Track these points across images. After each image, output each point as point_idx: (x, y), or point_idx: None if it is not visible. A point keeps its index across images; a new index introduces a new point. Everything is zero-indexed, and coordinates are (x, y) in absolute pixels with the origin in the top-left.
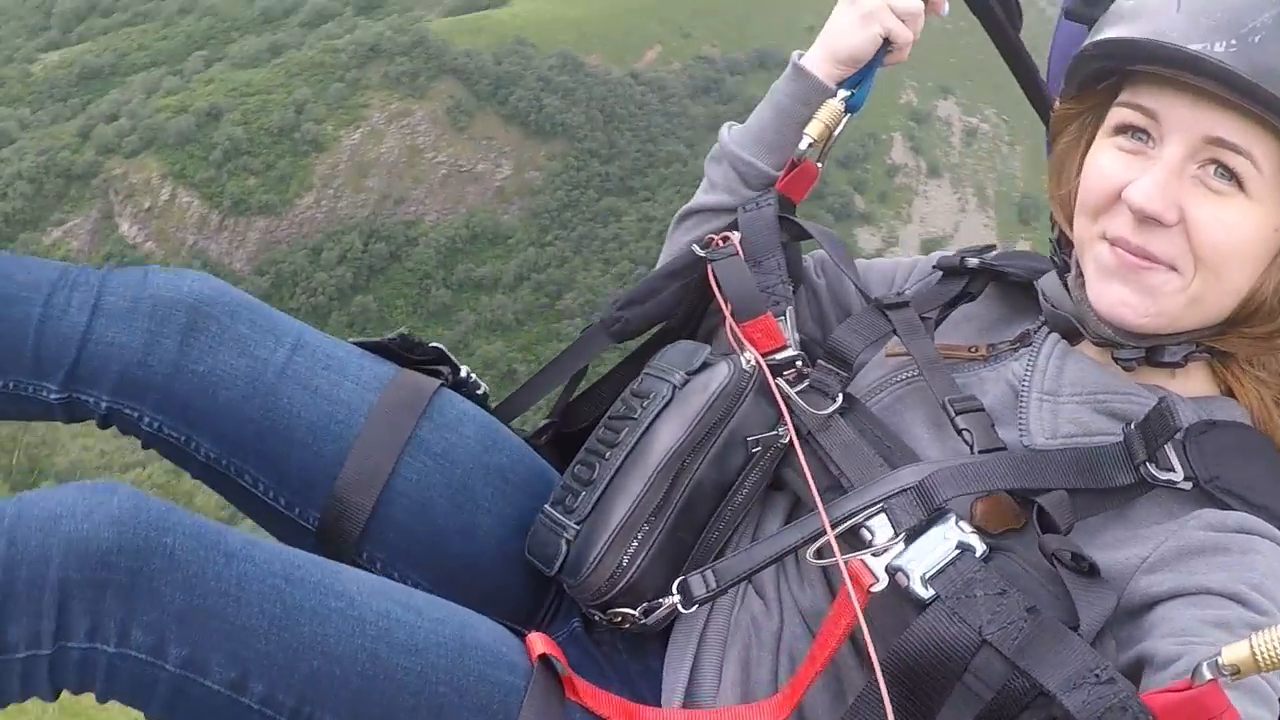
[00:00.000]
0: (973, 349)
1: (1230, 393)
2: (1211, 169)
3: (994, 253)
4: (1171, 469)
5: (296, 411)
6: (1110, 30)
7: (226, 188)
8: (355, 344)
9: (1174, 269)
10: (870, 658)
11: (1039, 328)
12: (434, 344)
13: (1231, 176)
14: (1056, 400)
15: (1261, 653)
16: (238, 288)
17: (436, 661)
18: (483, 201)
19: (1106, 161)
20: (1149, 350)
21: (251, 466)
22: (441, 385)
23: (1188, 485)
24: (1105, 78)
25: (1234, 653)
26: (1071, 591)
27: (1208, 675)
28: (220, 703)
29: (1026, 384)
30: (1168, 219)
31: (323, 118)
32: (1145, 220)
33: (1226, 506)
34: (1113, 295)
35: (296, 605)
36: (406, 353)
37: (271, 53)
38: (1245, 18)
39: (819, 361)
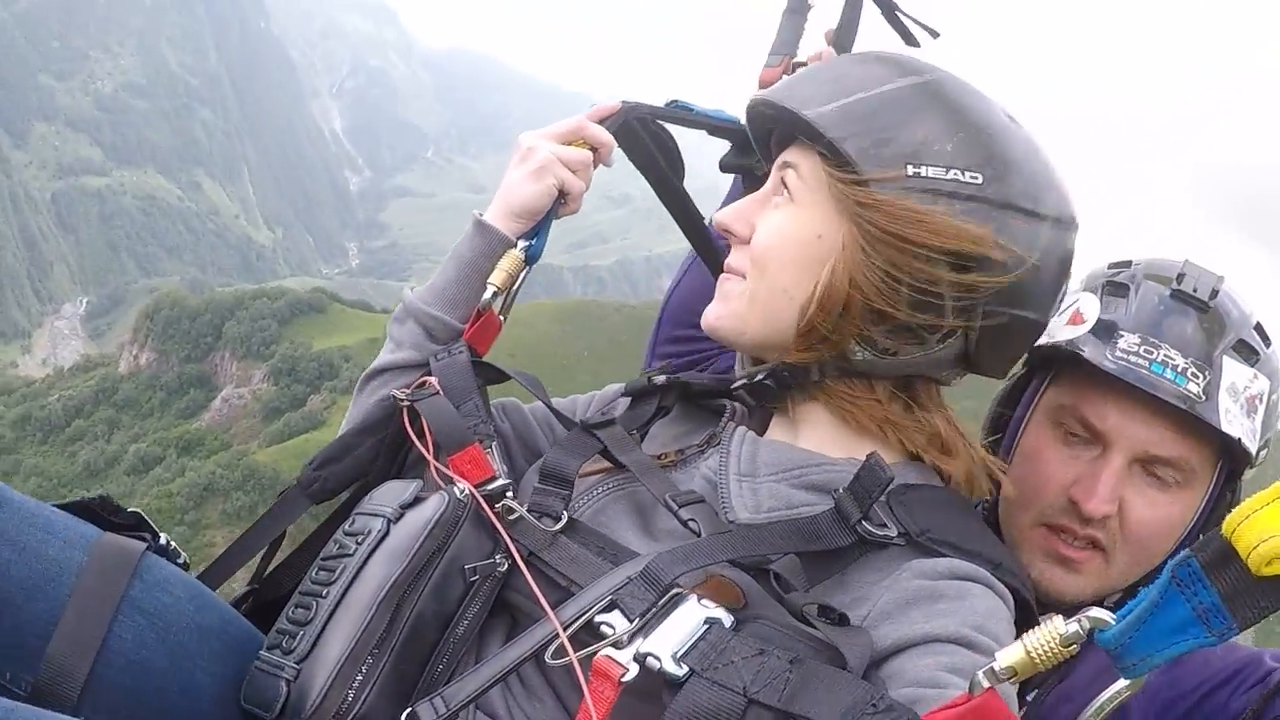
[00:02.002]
0: (662, 456)
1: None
2: (777, 185)
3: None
4: (884, 525)
5: (5, 569)
6: None
7: None
8: (57, 506)
9: (742, 276)
10: None
11: (724, 425)
12: (133, 509)
13: (784, 188)
14: (755, 480)
15: (1036, 651)
16: None
17: None
18: None
19: None
20: (765, 380)
21: None
22: (147, 548)
23: (902, 541)
24: None
25: (1010, 656)
26: (829, 638)
27: (985, 684)
28: None
29: (723, 473)
30: (739, 233)
31: None
32: (729, 236)
33: (938, 555)
34: (707, 311)
35: None
36: (108, 515)
37: None
38: None
39: (536, 485)
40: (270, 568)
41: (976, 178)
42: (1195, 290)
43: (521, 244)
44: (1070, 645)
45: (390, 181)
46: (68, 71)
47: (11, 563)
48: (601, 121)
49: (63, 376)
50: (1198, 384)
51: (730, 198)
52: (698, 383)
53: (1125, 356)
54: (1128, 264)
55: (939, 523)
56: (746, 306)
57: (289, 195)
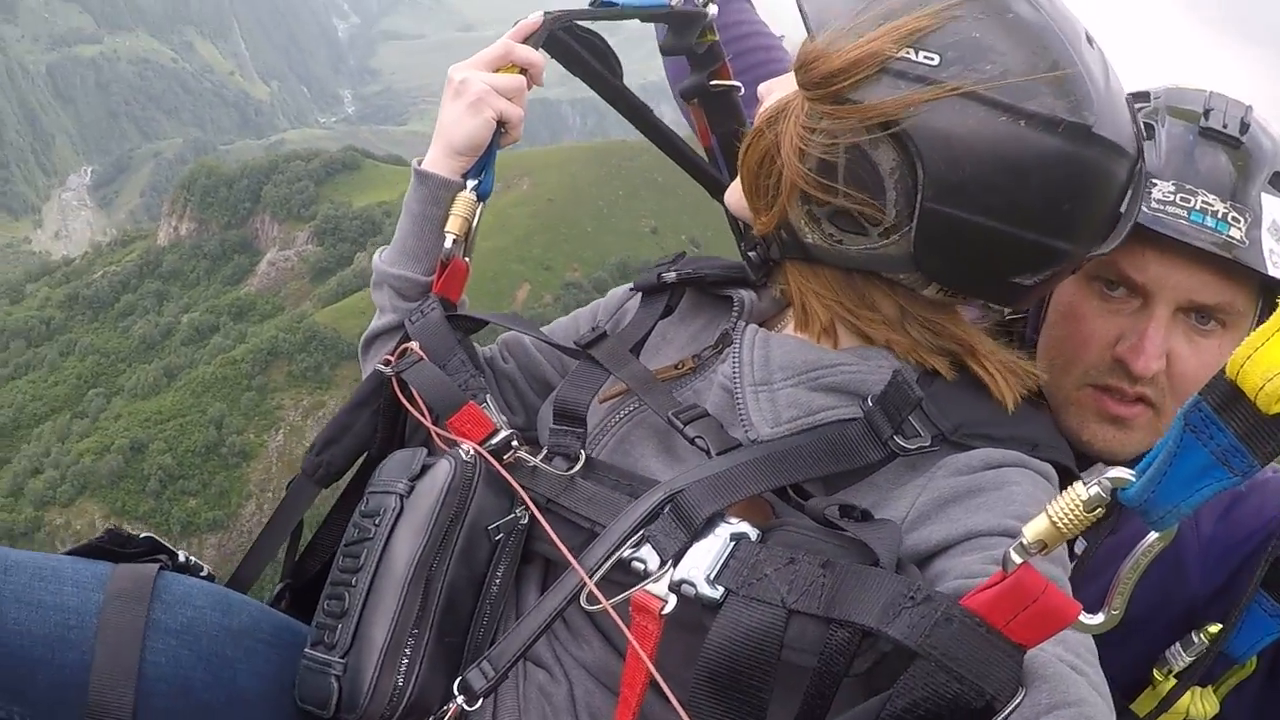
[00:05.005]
0: (679, 365)
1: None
2: None
3: (686, 262)
4: (917, 434)
5: (25, 629)
6: None
7: (171, 515)
8: (65, 554)
9: None
10: (669, 682)
11: (735, 323)
12: (145, 534)
13: None
14: (771, 388)
15: (1061, 520)
16: None
17: None
18: None
19: None
20: (749, 252)
21: (2, 701)
22: (161, 568)
23: (936, 446)
24: None
25: (1035, 529)
26: (856, 535)
27: (1017, 560)
28: None
29: (737, 380)
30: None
31: (243, 428)
32: None
33: (972, 448)
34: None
35: None
36: (119, 548)
37: (167, 376)
38: None
39: (551, 425)
40: (295, 557)
41: (933, 58)
42: (1225, 125)
43: (470, 183)
44: (1094, 509)
45: (378, 26)
46: None
47: (31, 621)
48: (526, 39)
49: (102, 253)
50: (1239, 228)
51: (675, 78)
52: (709, 275)
53: (1162, 207)
54: (1145, 96)
55: (970, 413)
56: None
57: (281, 47)
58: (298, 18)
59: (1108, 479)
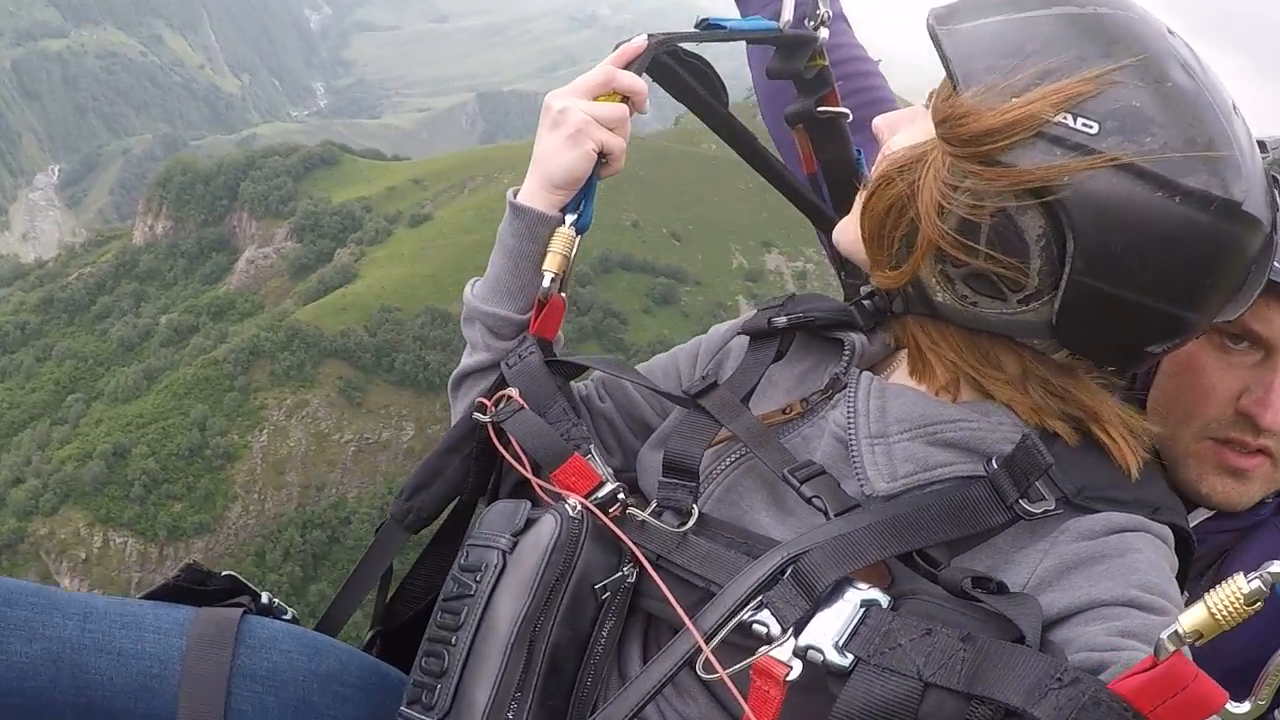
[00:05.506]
0: (788, 409)
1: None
2: None
3: (794, 304)
4: (1043, 498)
5: (108, 679)
6: None
7: (157, 520)
8: (143, 597)
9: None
10: None
11: (848, 368)
12: (226, 573)
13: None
14: (888, 441)
15: (1220, 612)
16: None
17: None
18: (396, 465)
19: None
20: (865, 300)
21: None
22: (245, 612)
23: (1060, 510)
24: None
25: (1193, 618)
26: (995, 608)
27: (1171, 648)
28: None
29: (852, 431)
30: (881, 139)
31: (226, 429)
32: None
33: (1094, 511)
34: (839, 227)
35: None
36: (198, 586)
37: (147, 379)
38: None
39: (661, 479)
40: (386, 601)
41: (1091, 126)
42: None
43: (569, 218)
44: (1254, 602)
45: (351, 17)
46: None
47: (113, 671)
48: (629, 65)
49: (76, 254)
50: None
51: (769, 103)
52: (819, 318)
53: None
54: (1263, 146)
55: (1092, 476)
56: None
57: (251, 39)
58: (269, 8)
59: (1269, 574)
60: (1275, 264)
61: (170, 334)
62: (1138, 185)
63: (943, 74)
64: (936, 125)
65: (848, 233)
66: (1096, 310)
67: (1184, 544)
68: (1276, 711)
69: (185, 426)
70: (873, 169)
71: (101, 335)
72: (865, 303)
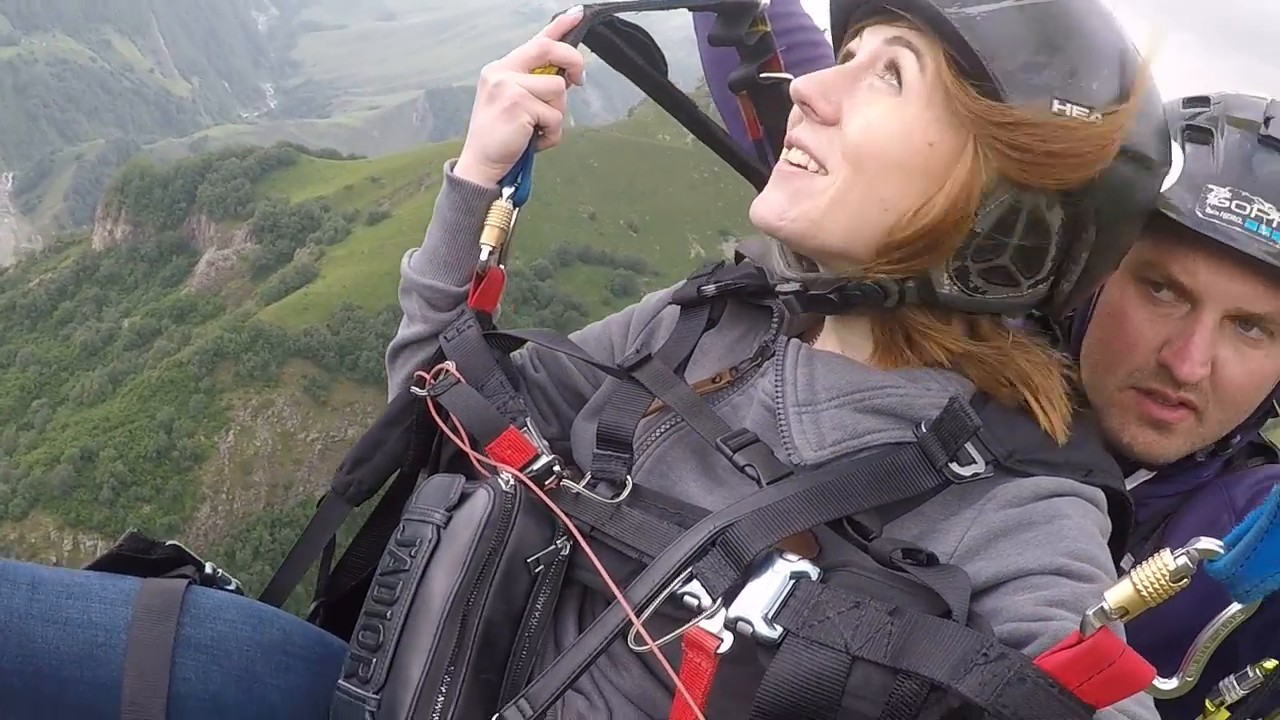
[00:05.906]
0: (718, 378)
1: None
2: (880, 65)
3: (724, 271)
4: (973, 461)
5: (54, 648)
6: None
7: (127, 522)
8: (89, 567)
9: (821, 168)
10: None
11: (775, 335)
12: (170, 542)
13: (896, 74)
14: (815, 409)
15: (1146, 588)
16: None
17: None
18: None
19: None
20: (830, 294)
21: None
22: (190, 583)
23: (990, 472)
24: None
25: (1119, 595)
26: (924, 581)
27: (1097, 624)
28: None
29: (780, 400)
30: (823, 113)
31: (193, 430)
32: (807, 111)
33: (1024, 475)
34: (765, 201)
35: None
36: (143, 555)
37: (112, 383)
38: None
39: (595, 450)
40: (329, 573)
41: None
42: None
43: (506, 191)
44: (1180, 579)
45: (297, 17)
46: None
47: (59, 640)
48: (565, 36)
49: (35, 260)
50: None
51: (713, 71)
52: (749, 285)
53: (1216, 214)
54: (1204, 101)
55: (1024, 438)
56: (827, 208)
57: (200, 42)
58: (216, 11)
59: (1196, 550)
60: (1200, 213)
61: (133, 337)
62: (1131, 169)
63: None
64: (987, 124)
65: (828, 229)
66: (1085, 279)
67: (1121, 506)
68: (1222, 681)
69: (152, 429)
70: (875, 170)
71: (65, 340)
72: (831, 296)
